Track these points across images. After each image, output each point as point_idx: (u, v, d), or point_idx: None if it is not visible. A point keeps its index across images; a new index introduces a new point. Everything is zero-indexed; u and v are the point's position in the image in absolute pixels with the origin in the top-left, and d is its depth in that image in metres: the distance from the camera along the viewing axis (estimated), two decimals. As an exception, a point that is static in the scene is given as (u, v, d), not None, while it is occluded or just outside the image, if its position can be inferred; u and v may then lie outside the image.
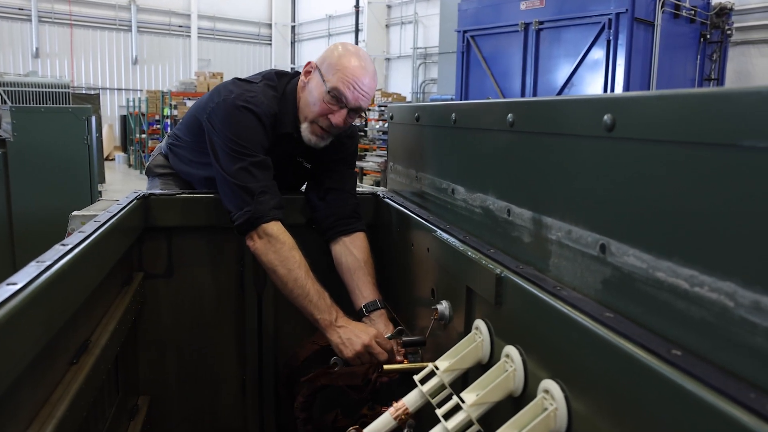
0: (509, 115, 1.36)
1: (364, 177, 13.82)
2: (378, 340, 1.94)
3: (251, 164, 2.04)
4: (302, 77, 2.19)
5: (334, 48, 2.14)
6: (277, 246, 2.01)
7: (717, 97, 0.77)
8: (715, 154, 0.78)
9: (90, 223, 1.64)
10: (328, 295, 2.01)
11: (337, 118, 2.10)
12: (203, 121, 2.17)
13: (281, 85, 2.22)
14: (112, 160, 19.68)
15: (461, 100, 11.19)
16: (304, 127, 2.16)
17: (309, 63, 2.18)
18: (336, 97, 2.07)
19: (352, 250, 2.22)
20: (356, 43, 21.19)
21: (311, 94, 2.12)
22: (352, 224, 2.27)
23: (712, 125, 0.78)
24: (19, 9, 20.64)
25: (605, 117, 0.99)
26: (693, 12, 9.80)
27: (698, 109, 0.81)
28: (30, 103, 7.97)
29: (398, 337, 1.98)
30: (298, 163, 2.34)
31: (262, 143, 2.10)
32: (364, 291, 2.14)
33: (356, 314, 2.11)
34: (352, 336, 1.94)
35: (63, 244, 1.33)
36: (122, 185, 14.43)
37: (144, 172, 2.65)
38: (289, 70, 2.35)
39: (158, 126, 16.34)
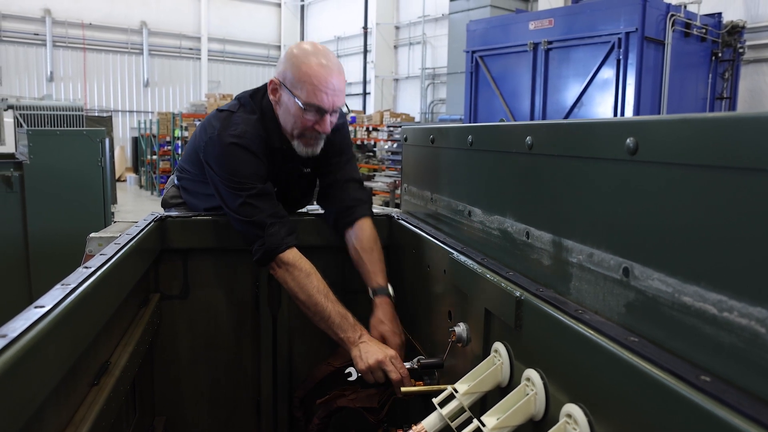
0: (528, 137, 1.37)
1: (373, 197, 13.84)
2: (393, 360, 1.93)
3: (250, 197, 2.06)
4: (270, 96, 2.17)
5: (291, 57, 2.09)
6: (295, 273, 2.04)
7: (743, 121, 0.77)
8: (742, 178, 0.77)
9: (110, 245, 1.66)
10: (351, 315, 2.03)
11: (322, 126, 2.10)
12: (201, 158, 2.20)
13: (257, 104, 2.22)
14: (124, 181, 19.83)
15: (470, 120, 11.23)
16: (296, 144, 2.17)
17: (272, 81, 2.15)
18: (313, 110, 2.06)
19: (354, 243, 2.25)
20: (365, 64, 21.36)
21: (288, 113, 2.12)
22: (352, 213, 2.28)
23: (739, 149, 0.78)
24: (35, 34, 21.00)
25: (628, 140, 0.99)
26: (704, 30, 9.80)
27: (724, 132, 0.81)
28: (45, 126, 8.08)
29: (416, 364, 1.96)
30: (299, 170, 2.36)
31: (257, 173, 2.11)
32: (367, 280, 2.19)
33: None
34: (369, 350, 1.94)
35: (86, 267, 1.35)
36: (134, 206, 14.52)
37: (160, 204, 2.67)
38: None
39: (169, 147, 16.45)
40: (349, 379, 1.98)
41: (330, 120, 2.11)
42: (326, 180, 2.36)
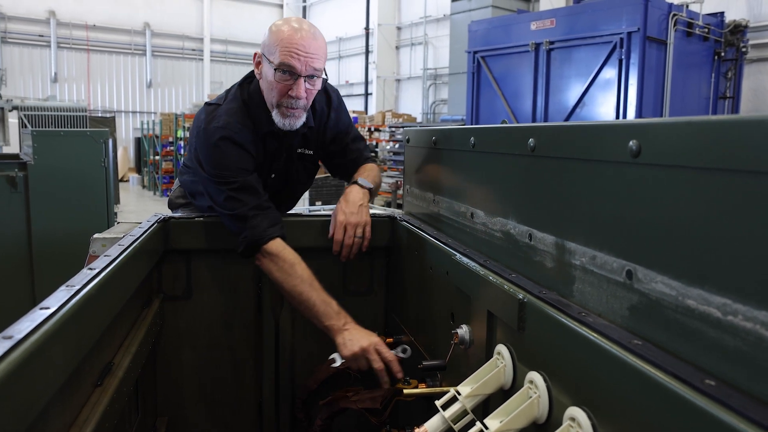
0: (530, 140, 1.37)
1: (376, 198, 13.83)
2: (378, 348, 1.94)
3: (233, 190, 2.07)
4: (255, 71, 2.22)
5: (269, 29, 2.12)
6: (279, 263, 2.06)
7: (747, 124, 0.77)
8: (745, 181, 0.77)
9: (114, 246, 1.66)
10: (335, 303, 2.04)
11: (296, 90, 2.07)
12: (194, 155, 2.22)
13: (244, 92, 2.23)
14: (127, 181, 19.87)
15: (472, 120, 11.22)
16: (275, 114, 2.16)
17: (255, 54, 2.19)
18: (286, 71, 2.05)
19: None
20: (366, 64, 21.35)
21: (266, 81, 2.13)
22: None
23: (742, 152, 0.77)
24: (39, 36, 21.11)
25: (631, 143, 0.99)
26: (706, 30, 9.79)
27: (727, 135, 0.80)
28: (49, 127, 8.09)
29: (402, 352, 1.98)
30: (298, 152, 2.36)
31: (241, 166, 2.11)
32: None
33: None
34: (354, 338, 1.96)
35: (90, 268, 1.35)
36: (136, 206, 14.54)
37: (167, 205, 2.69)
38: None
39: (172, 148, 16.47)
40: (333, 365, 1.99)
41: (306, 86, 2.09)
42: (338, 160, 2.45)
